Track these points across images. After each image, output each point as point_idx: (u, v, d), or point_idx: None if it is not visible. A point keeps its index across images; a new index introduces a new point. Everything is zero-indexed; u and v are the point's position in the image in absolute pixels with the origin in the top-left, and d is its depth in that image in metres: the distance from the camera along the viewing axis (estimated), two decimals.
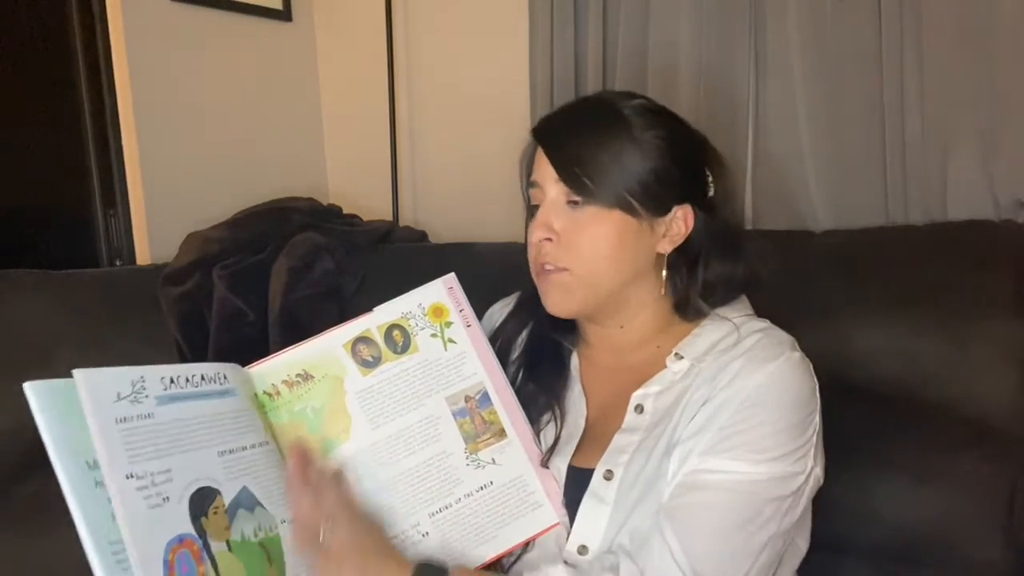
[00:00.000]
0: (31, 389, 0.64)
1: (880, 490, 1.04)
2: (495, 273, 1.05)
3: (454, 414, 0.88)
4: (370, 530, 0.80)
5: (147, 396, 0.69)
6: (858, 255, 1.21)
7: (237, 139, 1.79)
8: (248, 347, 1.30)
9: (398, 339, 0.88)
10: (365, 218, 1.55)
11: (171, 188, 1.65)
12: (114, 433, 0.65)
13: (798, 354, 0.86)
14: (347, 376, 0.86)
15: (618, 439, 0.87)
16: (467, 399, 0.89)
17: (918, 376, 1.11)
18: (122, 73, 1.58)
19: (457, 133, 1.87)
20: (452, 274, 0.92)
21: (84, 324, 1.32)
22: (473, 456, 0.87)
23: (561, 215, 0.87)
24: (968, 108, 1.31)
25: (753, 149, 1.51)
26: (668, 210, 0.88)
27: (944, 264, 1.15)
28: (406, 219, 1.89)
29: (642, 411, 0.88)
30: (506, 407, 0.90)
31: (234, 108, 1.79)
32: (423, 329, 0.89)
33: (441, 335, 0.90)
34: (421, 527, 0.84)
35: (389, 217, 1.83)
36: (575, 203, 0.87)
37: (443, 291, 0.91)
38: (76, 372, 0.65)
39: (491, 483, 0.87)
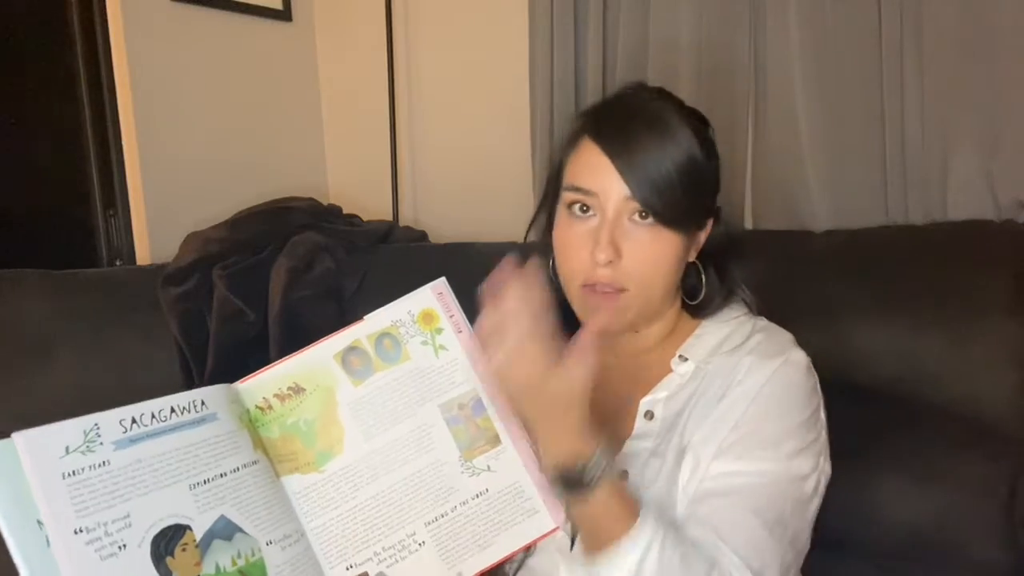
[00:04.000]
0: None
1: (880, 490, 1.04)
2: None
3: (448, 422, 0.86)
4: (556, 375, 0.75)
5: (102, 443, 0.68)
6: (858, 255, 1.21)
7: (237, 139, 1.79)
8: (248, 347, 1.31)
9: (389, 348, 0.87)
10: (365, 218, 1.55)
11: (171, 188, 1.65)
12: (59, 490, 0.64)
13: (799, 352, 0.86)
14: (338, 387, 0.85)
15: (630, 445, 0.86)
16: (460, 407, 0.87)
17: (918, 376, 1.11)
18: (122, 73, 1.58)
19: (457, 133, 1.87)
20: (442, 279, 0.90)
21: (84, 324, 1.32)
22: (468, 464, 0.86)
23: (625, 235, 0.84)
24: (968, 108, 1.31)
25: (753, 149, 1.51)
26: (706, 224, 0.89)
27: (944, 264, 1.15)
28: (406, 219, 1.89)
29: (652, 417, 0.87)
30: (500, 413, 0.88)
31: (234, 108, 1.79)
32: (413, 337, 0.88)
33: (432, 342, 0.88)
34: (417, 536, 0.84)
35: (389, 217, 1.83)
36: (637, 223, 0.83)
37: (432, 297, 0.89)
38: (16, 435, 0.64)
39: (487, 490, 0.86)
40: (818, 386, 0.86)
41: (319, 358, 0.85)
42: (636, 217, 0.84)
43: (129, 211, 1.64)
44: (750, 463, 0.80)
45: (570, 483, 0.76)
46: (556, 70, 1.59)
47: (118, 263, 1.64)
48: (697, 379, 0.87)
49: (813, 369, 0.87)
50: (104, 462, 0.67)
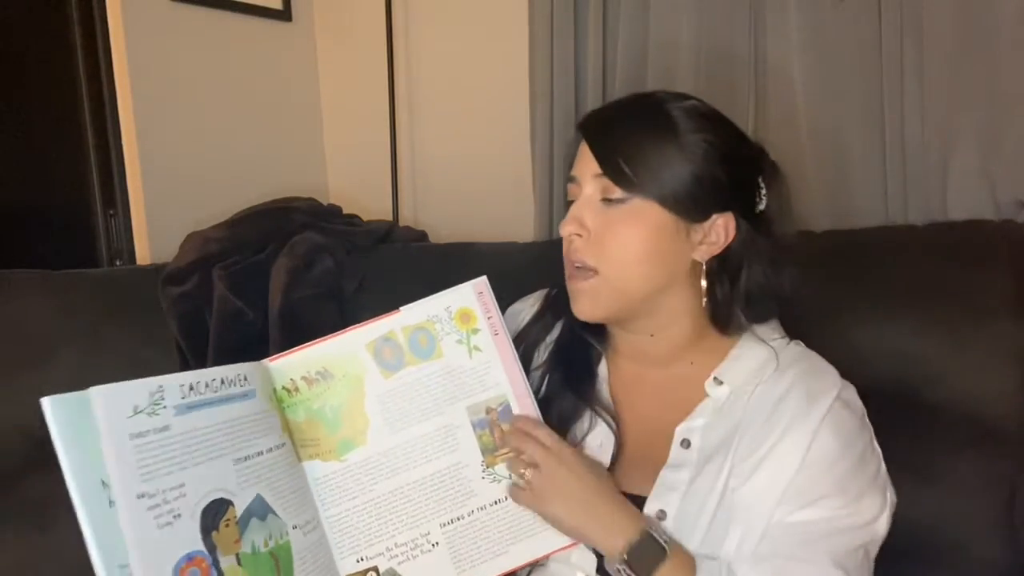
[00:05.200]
0: (49, 404, 0.61)
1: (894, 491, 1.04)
2: (495, 273, 1.05)
3: (474, 425, 0.85)
4: (588, 475, 0.81)
5: (165, 407, 0.66)
6: (858, 255, 1.21)
7: (237, 139, 1.79)
8: (248, 347, 1.30)
9: (422, 343, 0.86)
10: (365, 218, 1.55)
11: (171, 188, 1.65)
12: (127, 450, 0.63)
13: (849, 388, 0.86)
14: (368, 377, 0.84)
15: (666, 475, 0.84)
16: (488, 410, 0.86)
17: (918, 376, 1.11)
18: (122, 73, 1.58)
19: (457, 133, 1.87)
20: (483, 278, 0.88)
21: (84, 324, 1.32)
22: (489, 470, 0.85)
23: (595, 211, 0.85)
24: (968, 108, 1.31)
25: None
26: (707, 216, 0.85)
27: (944, 264, 1.15)
28: (406, 219, 1.89)
29: (688, 446, 0.85)
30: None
31: (234, 108, 1.79)
32: (449, 334, 0.86)
33: (467, 342, 0.87)
34: (431, 536, 0.83)
35: (389, 217, 1.83)
36: (609, 201, 0.84)
37: (472, 296, 0.87)
38: (93, 389, 0.63)
39: (506, 498, 0.85)
40: (866, 417, 0.85)
41: (351, 346, 0.84)
42: (611, 197, 0.84)
43: (129, 211, 1.64)
44: (818, 511, 0.78)
45: (635, 570, 0.77)
46: (556, 70, 1.59)
47: (118, 263, 1.64)
48: (737, 409, 0.85)
49: (859, 402, 0.86)
50: (166, 427, 0.66)
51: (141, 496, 0.63)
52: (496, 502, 0.85)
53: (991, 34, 1.28)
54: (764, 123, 1.49)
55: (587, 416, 0.90)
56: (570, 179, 0.89)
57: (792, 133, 1.45)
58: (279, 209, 1.48)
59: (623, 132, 0.85)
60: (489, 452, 0.85)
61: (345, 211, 1.55)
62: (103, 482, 0.62)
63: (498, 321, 0.88)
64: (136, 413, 0.64)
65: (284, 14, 1.89)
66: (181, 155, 1.67)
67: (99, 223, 1.64)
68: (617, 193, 0.84)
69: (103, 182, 1.62)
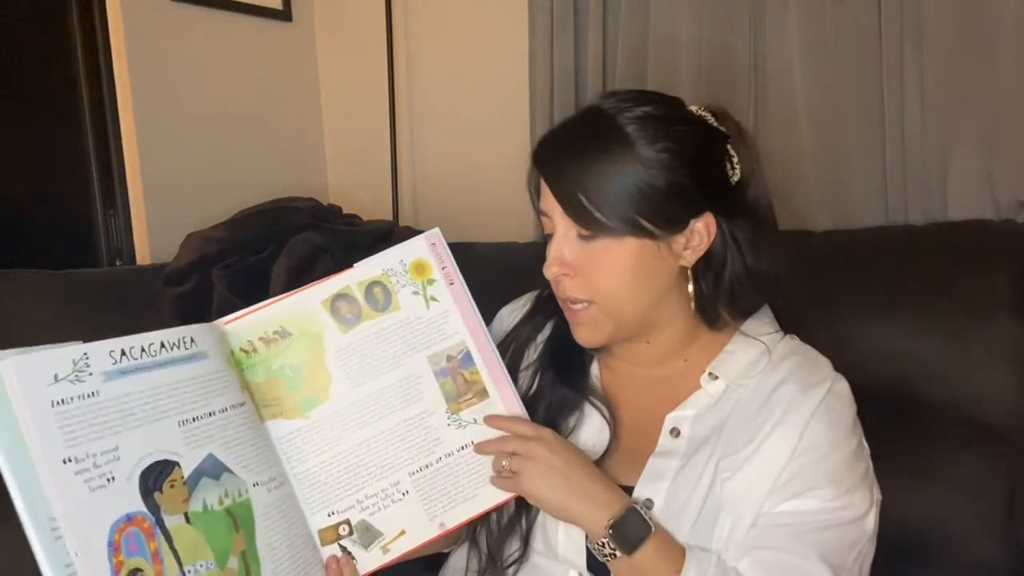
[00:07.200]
0: None
1: (880, 489, 1.04)
2: (495, 273, 1.05)
3: (435, 373, 0.87)
4: (570, 455, 0.82)
5: (91, 373, 0.67)
6: (858, 255, 1.21)
7: (237, 139, 1.79)
8: None
9: (379, 296, 0.87)
10: (365, 218, 1.55)
11: (171, 188, 1.65)
12: (48, 418, 0.63)
13: (841, 381, 0.85)
14: (326, 334, 0.85)
15: (654, 463, 0.84)
16: (449, 358, 0.87)
17: (918, 376, 1.11)
18: (122, 73, 1.58)
19: (457, 133, 1.87)
20: (436, 230, 0.89)
21: (84, 324, 1.32)
22: (455, 416, 0.86)
23: (573, 247, 0.84)
24: (968, 108, 1.31)
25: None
26: (685, 225, 0.83)
27: (944, 264, 1.15)
28: (406, 219, 1.89)
29: (678, 435, 0.85)
30: (488, 367, 0.88)
31: (234, 108, 1.79)
32: (404, 286, 0.87)
33: (423, 293, 0.88)
34: (401, 486, 0.84)
35: (389, 217, 1.83)
36: (585, 236, 0.83)
37: (425, 247, 0.89)
38: (4, 360, 0.63)
39: (472, 443, 0.86)
40: (856, 415, 0.85)
41: (307, 303, 0.85)
42: (585, 234, 0.83)
43: (129, 211, 1.64)
44: (809, 501, 0.78)
45: (618, 543, 0.78)
46: (556, 70, 1.59)
47: (118, 263, 1.64)
48: (729, 402, 0.85)
49: (852, 398, 0.85)
50: (93, 392, 0.66)
51: (67, 461, 0.63)
52: (463, 447, 0.86)
53: (991, 34, 1.28)
54: (764, 123, 1.49)
55: (578, 410, 0.91)
56: (540, 211, 0.88)
57: (792, 133, 1.45)
58: (279, 209, 1.48)
59: (579, 164, 0.82)
60: (452, 400, 0.87)
61: (345, 211, 1.55)
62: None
63: (453, 271, 0.89)
64: (57, 381, 0.65)
65: (284, 14, 1.89)
66: (181, 155, 1.67)
67: (99, 223, 1.63)
68: (589, 232, 0.83)
69: (103, 182, 1.62)
